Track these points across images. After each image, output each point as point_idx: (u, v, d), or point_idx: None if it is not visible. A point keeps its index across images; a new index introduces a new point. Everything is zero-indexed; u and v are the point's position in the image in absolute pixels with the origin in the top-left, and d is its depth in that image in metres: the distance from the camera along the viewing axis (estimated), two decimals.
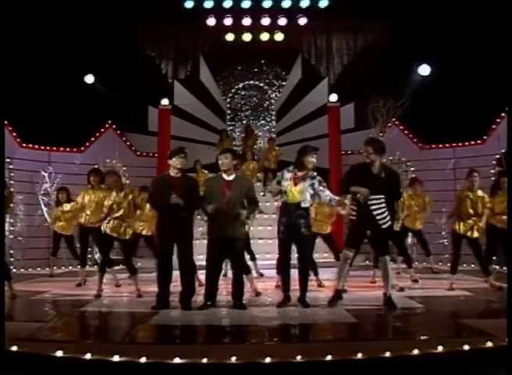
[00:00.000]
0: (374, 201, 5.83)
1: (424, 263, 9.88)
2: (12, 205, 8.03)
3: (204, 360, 3.90)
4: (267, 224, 10.80)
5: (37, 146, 11.44)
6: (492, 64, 10.13)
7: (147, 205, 7.51)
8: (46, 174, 10.98)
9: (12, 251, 10.25)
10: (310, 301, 6.08)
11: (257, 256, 8.41)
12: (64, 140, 11.57)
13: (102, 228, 7.07)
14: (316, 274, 7.58)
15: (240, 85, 15.58)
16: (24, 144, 11.18)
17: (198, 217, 8.50)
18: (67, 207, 9.15)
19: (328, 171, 11.81)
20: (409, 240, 9.79)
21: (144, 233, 8.53)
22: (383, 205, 5.86)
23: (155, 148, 12.45)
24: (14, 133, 10.91)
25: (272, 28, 14.45)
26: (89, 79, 12.67)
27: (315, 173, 6.20)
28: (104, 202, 7.20)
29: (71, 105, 11.56)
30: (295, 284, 6.32)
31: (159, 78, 14.70)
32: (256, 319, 5.49)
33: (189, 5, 14.12)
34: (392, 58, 12.50)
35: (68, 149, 11.84)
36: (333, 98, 13.12)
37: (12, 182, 10.37)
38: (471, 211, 7.31)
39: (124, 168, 11.34)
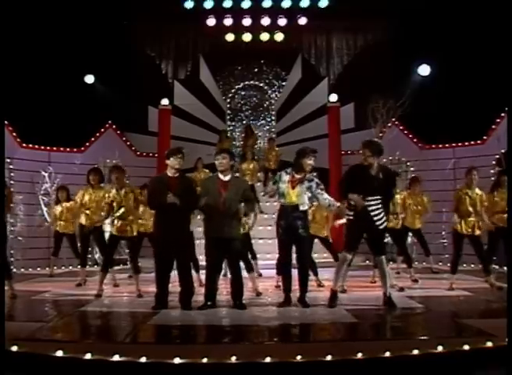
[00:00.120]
0: (371, 202, 5.84)
1: (424, 263, 9.88)
2: (12, 205, 8.03)
3: (204, 360, 3.90)
4: (267, 224, 10.79)
5: (37, 146, 11.44)
6: (491, 64, 10.13)
7: None
8: (46, 174, 10.99)
9: (12, 251, 10.25)
10: (310, 301, 6.08)
11: (257, 256, 8.42)
12: (64, 140, 11.57)
13: (109, 230, 7.06)
14: (316, 274, 7.58)
15: (240, 85, 15.58)
16: (24, 144, 11.18)
17: (198, 217, 8.50)
18: (67, 205, 9.14)
19: (328, 171, 11.83)
20: (409, 239, 9.78)
21: (148, 231, 8.52)
22: (380, 205, 5.89)
23: (155, 148, 12.46)
24: (14, 133, 10.91)
25: (272, 28, 14.44)
26: (89, 79, 12.67)
27: (314, 174, 6.21)
28: (104, 200, 7.21)
29: (71, 105, 11.57)
30: (295, 284, 6.33)
31: (159, 78, 14.69)
32: (256, 319, 5.49)
33: (189, 5, 14.11)
34: (392, 58, 12.50)
35: (68, 149, 11.84)
36: (333, 98, 13.13)
37: (12, 182, 10.37)
38: (471, 209, 7.31)
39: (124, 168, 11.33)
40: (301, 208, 6.02)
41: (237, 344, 4.49)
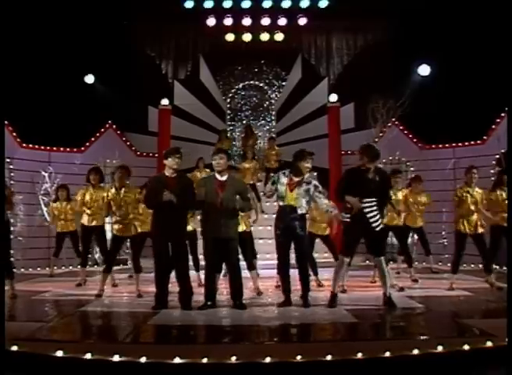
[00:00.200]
0: (367, 205, 5.88)
1: (424, 263, 9.89)
2: (14, 202, 8.02)
3: (204, 360, 3.90)
4: (267, 224, 10.78)
5: (37, 146, 11.43)
6: (491, 64, 10.13)
7: None
8: (46, 174, 11.00)
9: (12, 251, 10.24)
10: (310, 302, 6.07)
11: (257, 256, 8.41)
12: (64, 140, 11.56)
13: (110, 230, 7.06)
14: (316, 274, 7.59)
15: (240, 85, 15.58)
16: (24, 144, 11.17)
17: (199, 217, 8.49)
18: (67, 205, 9.12)
19: (328, 171, 11.83)
20: (409, 239, 9.77)
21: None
22: (375, 207, 5.91)
23: (155, 148, 12.45)
24: (14, 133, 10.90)
25: (272, 28, 14.46)
26: (89, 79, 12.67)
27: (315, 174, 6.24)
28: (104, 200, 7.23)
29: (71, 105, 11.57)
30: (296, 284, 6.33)
31: (159, 78, 14.70)
32: (256, 319, 5.50)
33: (189, 5, 14.13)
34: (392, 58, 12.51)
35: (68, 149, 11.83)
36: (333, 98, 13.12)
37: (12, 182, 10.38)
38: (473, 207, 7.32)
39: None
40: (299, 211, 6.05)
41: (237, 344, 4.49)
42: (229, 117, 15.52)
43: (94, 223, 7.80)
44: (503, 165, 9.42)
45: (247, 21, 14.21)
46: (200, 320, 5.51)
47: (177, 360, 3.89)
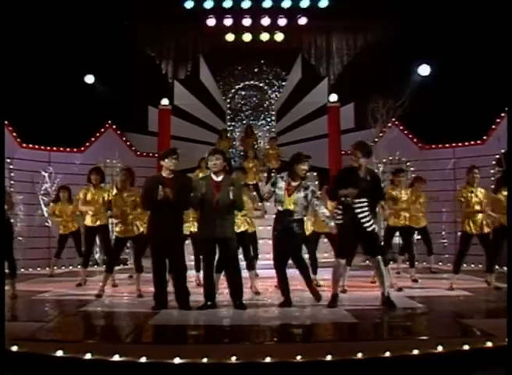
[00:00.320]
0: (358, 205, 5.89)
1: (424, 263, 9.88)
2: (14, 202, 8.01)
3: (204, 360, 3.90)
4: (267, 224, 10.77)
5: (37, 146, 11.43)
6: (491, 64, 10.13)
7: None
8: (46, 174, 11.00)
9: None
10: (310, 301, 6.09)
11: (259, 256, 8.39)
12: (64, 140, 11.56)
13: (113, 232, 7.06)
14: (315, 273, 7.58)
15: (240, 85, 15.58)
16: (24, 144, 11.17)
17: None
18: (70, 206, 9.09)
19: (328, 171, 11.83)
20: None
21: None
22: (366, 208, 5.91)
23: (155, 148, 12.46)
24: (14, 133, 10.90)
25: (272, 28, 14.45)
26: (89, 79, 12.67)
27: (314, 174, 6.25)
28: (105, 199, 7.23)
29: (71, 105, 11.57)
30: (296, 284, 6.32)
31: (159, 78, 14.70)
32: (256, 319, 5.50)
33: (189, 5, 14.12)
34: (392, 58, 12.51)
35: (68, 149, 11.83)
36: (333, 98, 13.13)
37: (12, 182, 10.38)
38: (477, 207, 7.31)
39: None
40: (296, 216, 6.06)
41: (237, 344, 4.49)
42: (229, 117, 15.51)
43: (97, 223, 7.78)
44: (503, 165, 9.42)
45: (247, 21, 14.21)
46: (200, 320, 5.51)
47: (177, 360, 3.88)
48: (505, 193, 7.43)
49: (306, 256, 7.18)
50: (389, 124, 11.85)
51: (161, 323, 5.36)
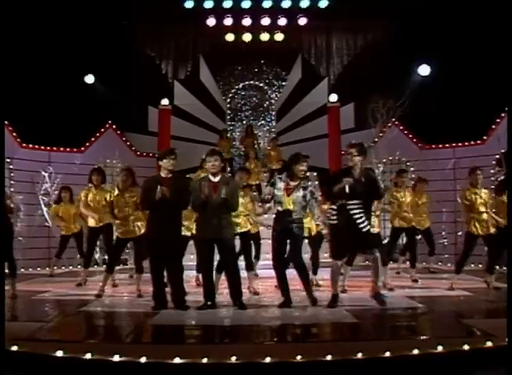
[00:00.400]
0: (353, 206, 5.88)
1: (424, 263, 9.88)
2: (12, 206, 8.00)
3: (204, 360, 3.90)
4: (267, 224, 10.78)
5: (37, 146, 11.42)
6: (491, 64, 10.14)
7: None
8: (46, 174, 10.99)
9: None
10: (316, 297, 6.08)
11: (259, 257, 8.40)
12: (64, 140, 11.56)
13: (114, 233, 7.05)
14: (315, 273, 7.59)
15: (240, 85, 15.58)
16: (24, 144, 11.16)
17: None
18: (71, 208, 9.07)
19: (328, 171, 11.83)
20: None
21: None
22: (361, 209, 5.90)
23: (155, 148, 12.45)
24: (14, 133, 10.89)
25: (272, 28, 14.45)
26: (89, 79, 12.67)
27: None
28: (107, 199, 7.24)
29: (71, 105, 11.56)
30: (295, 285, 6.32)
31: (159, 78, 14.70)
32: (256, 319, 5.50)
33: (189, 5, 14.12)
34: (392, 58, 12.51)
35: (68, 149, 11.82)
36: (333, 98, 13.13)
37: (12, 182, 10.38)
38: (483, 208, 7.31)
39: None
40: (295, 215, 6.05)
41: (237, 344, 4.49)
42: (229, 117, 15.51)
43: (101, 224, 7.74)
44: (503, 165, 9.41)
45: (247, 21, 14.21)
46: (200, 320, 5.51)
47: (177, 360, 3.88)
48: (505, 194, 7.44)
49: (306, 256, 7.18)
50: (389, 124, 11.85)
51: (161, 323, 5.36)
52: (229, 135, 14.62)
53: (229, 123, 15.43)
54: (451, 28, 11.40)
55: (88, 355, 3.97)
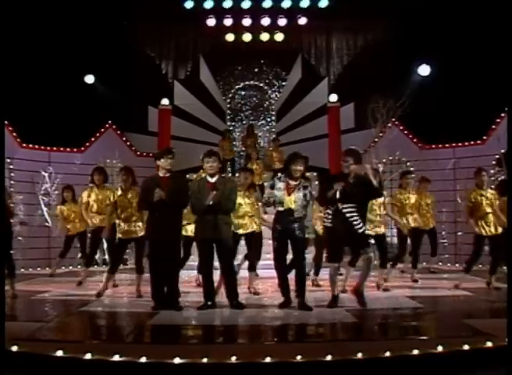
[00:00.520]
0: (348, 210, 5.88)
1: (424, 263, 9.87)
2: (12, 205, 8.00)
3: (204, 360, 3.90)
4: (267, 224, 10.79)
5: (37, 146, 11.43)
6: (491, 64, 10.14)
7: None
8: (46, 174, 10.98)
9: (12, 251, 10.23)
10: (310, 302, 6.07)
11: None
12: (64, 140, 11.56)
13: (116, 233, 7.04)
14: (316, 274, 7.59)
15: (240, 85, 15.59)
16: (24, 144, 11.17)
17: None
18: (75, 207, 9.05)
19: (328, 171, 11.83)
20: (409, 240, 9.76)
21: None
22: (355, 213, 5.90)
23: (155, 148, 12.44)
24: (14, 133, 10.90)
25: (272, 28, 14.46)
26: (89, 79, 12.68)
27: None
28: (110, 200, 7.22)
29: (71, 105, 11.57)
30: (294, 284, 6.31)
31: (159, 78, 14.71)
32: (256, 319, 5.50)
33: (189, 5, 14.13)
34: (392, 58, 12.51)
35: (68, 149, 11.82)
36: (333, 98, 13.14)
37: (12, 182, 10.37)
38: (489, 209, 7.30)
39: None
40: (296, 215, 6.04)
41: (237, 344, 4.50)
42: (229, 117, 15.52)
43: (104, 224, 7.68)
44: (503, 165, 9.41)
45: (247, 21, 14.22)
46: (200, 320, 5.51)
47: (177, 360, 3.88)
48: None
49: (308, 256, 7.19)
50: (389, 124, 11.85)
51: (161, 323, 5.36)
52: (230, 136, 14.62)
53: (229, 123, 15.43)
54: (451, 28, 11.40)
55: (88, 355, 3.97)
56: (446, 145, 11.72)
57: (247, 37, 14.49)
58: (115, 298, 7.00)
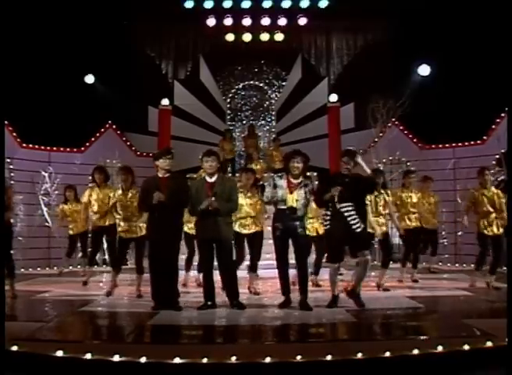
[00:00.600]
0: (345, 209, 5.89)
1: (424, 263, 9.87)
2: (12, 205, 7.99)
3: (204, 360, 3.90)
4: (267, 224, 10.78)
5: (37, 146, 11.42)
6: (491, 64, 10.14)
7: None
8: (46, 174, 10.98)
9: (12, 251, 10.23)
10: (310, 302, 6.07)
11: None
12: (64, 140, 11.55)
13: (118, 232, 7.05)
14: (317, 274, 7.59)
15: (240, 85, 15.59)
16: (24, 144, 11.16)
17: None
18: (77, 207, 9.03)
19: (328, 171, 11.83)
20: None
21: None
22: (353, 212, 5.90)
23: (155, 148, 12.43)
24: (14, 133, 10.90)
25: (272, 28, 14.46)
26: (89, 79, 12.67)
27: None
28: (111, 200, 7.20)
29: (71, 105, 11.56)
30: (296, 285, 6.31)
31: (159, 78, 14.71)
32: (256, 319, 5.50)
33: (189, 5, 14.13)
34: (392, 58, 12.51)
35: (68, 149, 11.82)
36: (333, 98, 13.14)
37: (12, 182, 10.36)
38: (491, 209, 7.30)
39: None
40: (298, 213, 6.04)
41: (237, 344, 4.50)
42: (229, 117, 15.52)
43: (107, 223, 7.71)
44: (503, 165, 9.41)
45: (247, 21, 14.21)
46: (200, 320, 5.51)
47: (177, 360, 3.89)
48: None
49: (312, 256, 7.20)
50: (389, 124, 11.85)
51: (161, 323, 5.36)
52: (231, 136, 14.62)
53: (229, 123, 15.43)
54: (451, 28, 11.40)
55: (88, 355, 3.97)
56: (446, 145, 11.72)
57: (247, 37, 14.48)
58: (116, 298, 6.99)
